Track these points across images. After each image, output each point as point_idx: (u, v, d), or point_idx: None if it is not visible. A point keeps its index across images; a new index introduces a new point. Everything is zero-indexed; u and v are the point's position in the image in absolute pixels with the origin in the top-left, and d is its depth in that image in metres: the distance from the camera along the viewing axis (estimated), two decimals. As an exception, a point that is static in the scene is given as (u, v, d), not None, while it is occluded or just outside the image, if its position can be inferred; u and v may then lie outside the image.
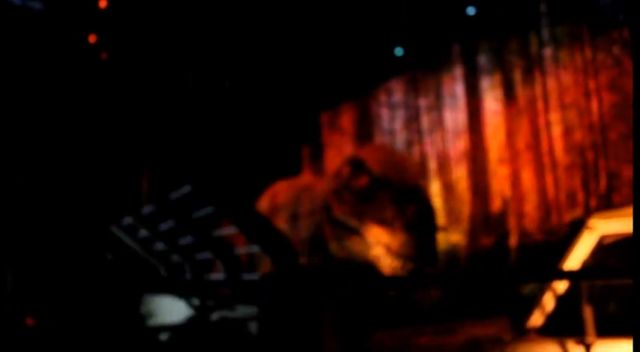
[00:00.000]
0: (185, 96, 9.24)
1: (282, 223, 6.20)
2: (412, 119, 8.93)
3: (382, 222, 5.42)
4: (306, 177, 7.97)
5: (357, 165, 5.83)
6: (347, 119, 9.72)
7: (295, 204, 6.37)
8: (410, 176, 6.00)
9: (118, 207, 6.30)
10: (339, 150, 9.54)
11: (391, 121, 9.19)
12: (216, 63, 9.39)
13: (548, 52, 7.64)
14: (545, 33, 7.67)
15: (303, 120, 9.89)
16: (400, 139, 8.99)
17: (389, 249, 5.24)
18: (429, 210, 5.67)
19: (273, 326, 3.27)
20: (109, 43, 8.61)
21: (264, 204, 6.70)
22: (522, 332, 2.80)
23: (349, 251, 5.58)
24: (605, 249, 2.73)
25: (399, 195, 5.53)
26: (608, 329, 2.54)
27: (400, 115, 9.10)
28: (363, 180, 5.70)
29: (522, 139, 7.77)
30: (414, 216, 5.39)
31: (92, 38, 8.46)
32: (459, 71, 8.49)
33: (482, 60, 8.25)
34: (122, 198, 7.95)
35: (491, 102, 8.13)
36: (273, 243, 4.14)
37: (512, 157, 7.75)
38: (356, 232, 5.55)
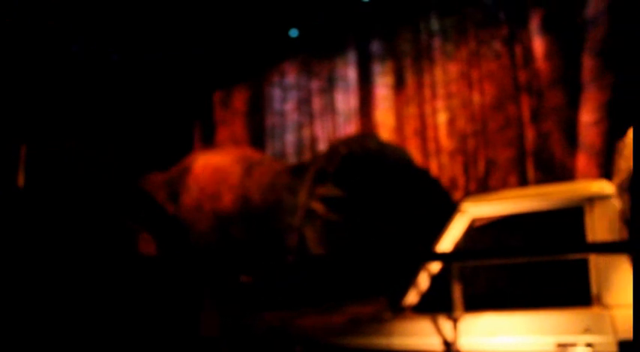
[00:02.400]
0: (70, 66, 8.72)
1: (230, 196, 6.02)
2: (304, 101, 8.99)
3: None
4: (245, 151, 7.62)
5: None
6: (240, 99, 9.62)
7: (245, 178, 6.18)
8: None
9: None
10: (231, 129, 9.43)
11: (283, 102, 9.20)
12: (106, 34, 8.92)
13: (436, 42, 7.93)
14: (435, 24, 7.96)
15: (195, 98, 9.68)
16: (291, 121, 9.03)
17: None
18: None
19: (153, 306, 3.21)
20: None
21: (196, 174, 6.45)
22: (399, 310, 2.91)
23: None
24: (476, 231, 2.89)
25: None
26: (474, 305, 2.72)
27: (292, 97, 9.12)
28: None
29: (410, 125, 8.04)
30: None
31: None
32: (352, 56, 8.62)
33: (375, 46, 8.43)
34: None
35: (382, 88, 8.34)
36: (160, 224, 4.02)
37: (401, 142, 8.01)
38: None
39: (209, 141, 9.46)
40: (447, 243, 2.87)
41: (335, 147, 6.03)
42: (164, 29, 8.69)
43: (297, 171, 6.15)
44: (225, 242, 6.00)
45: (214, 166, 6.53)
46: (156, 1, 8.18)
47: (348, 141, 6.08)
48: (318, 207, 5.57)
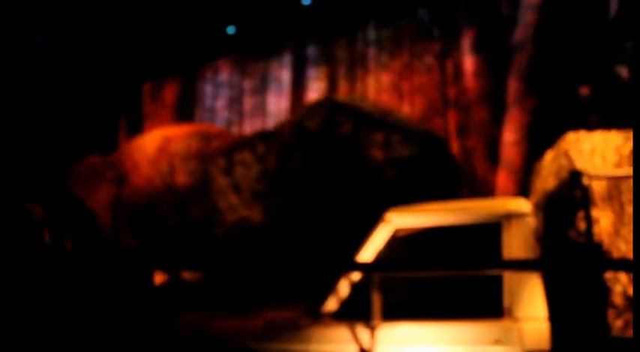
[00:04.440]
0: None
1: (185, 171, 5.63)
2: (235, 100, 8.92)
3: None
4: (201, 125, 7.15)
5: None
6: (170, 92, 9.42)
7: (203, 151, 5.75)
8: None
9: None
10: (159, 123, 9.21)
11: (214, 100, 9.10)
12: (32, 16, 8.48)
13: (371, 52, 8.04)
14: (372, 34, 8.07)
15: (124, 89, 9.38)
16: (221, 118, 8.94)
17: None
18: None
19: (60, 303, 3.07)
20: None
21: (146, 150, 5.99)
22: (317, 317, 2.91)
23: None
24: (398, 241, 2.94)
25: None
26: (393, 314, 2.76)
27: (224, 95, 9.04)
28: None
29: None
30: None
31: None
32: (287, 58, 8.62)
33: (311, 51, 8.46)
34: None
35: (315, 93, 8.37)
36: (74, 219, 3.85)
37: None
38: None
39: (136, 134, 9.20)
40: (369, 251, 2.90)
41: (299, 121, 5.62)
42: (94, 14, 8.37)
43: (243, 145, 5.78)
44: (182, 222, 5.63)
45: (167, 139, 6.06)
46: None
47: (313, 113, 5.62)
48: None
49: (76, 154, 6.71)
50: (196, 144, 5.91)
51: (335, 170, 5.23)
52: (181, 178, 5.79)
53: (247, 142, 5.85)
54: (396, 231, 2.94)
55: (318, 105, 5.73)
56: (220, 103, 9.06)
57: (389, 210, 2.97)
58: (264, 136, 5.87)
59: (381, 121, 5.32)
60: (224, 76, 9.08)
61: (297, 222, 5.22)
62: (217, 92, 9.11)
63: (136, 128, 9.38)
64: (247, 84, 8.89)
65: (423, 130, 5.52)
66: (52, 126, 8.20)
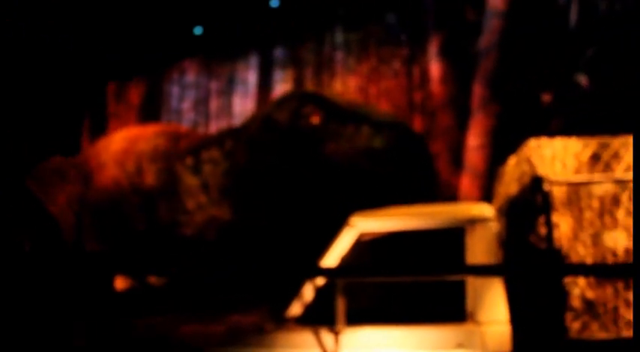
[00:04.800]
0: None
1: (153, 171, 5.46)
2: (201, 101, 8.86)
3: None
4: (170, 124, 6.95)
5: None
6: (136, 93, 9.29)
7: (172, 151, 5.58)
8: None
9: None
10: (124, 124, 9.07)
11: (180, 101, 9.02)
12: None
13: (339, 55, 8.07)
14: (339, 37, 8.10)
15: (86, 89, 9.20)
16: (187, 120, 8.86)
17: None
18: None
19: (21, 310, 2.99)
20: None
21: (112, 150, 5.81)
22: (282, 322, 2.90)
23: None
24: (362, 246, 2.96)
25: None
26: (357, 318, 2.77)
27: (190, 96, 8.97)
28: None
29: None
30: None
31: None
32: (254, 60, 8.60)
33: (278, 53, 8.45)
34: None
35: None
36: (33, 222, 3.76)
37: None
38: None
39: (100, 135, 9.04)
40: (333, 256, 2.91)
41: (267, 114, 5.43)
42: (57, 12, 8.20)
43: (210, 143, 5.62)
44: (149, 223, 5.48)
45: (134, 139, 5.87)
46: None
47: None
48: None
49: (36, 155, 6.55)
50: (164, 143, 5.76)
51: (304, 162, 5.16)
52: (149, 178, 5.67)
53: (215, 139, 5.76)
54: (361, 236, 2.96)
55: (288, 97, 5.65)
56: (187, 104, 8.98)
57: (353, 215, 2.99)
58: (232, 132, 5.79)
59: (351, 113, 5.26)
60: (191, 77, 9.01)
61: (266, 216, 5.15)
62: (184, 93, 9.03)
63: (100, 129, 9.23)
64: (214, 85, 8.83)
65: (395, 122, 5.44)
66: (11, 127, 8.00)
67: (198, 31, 8.74)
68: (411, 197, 4.54)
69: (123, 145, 5.86)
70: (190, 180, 5.46)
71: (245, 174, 5.32)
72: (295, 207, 5.09)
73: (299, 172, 5.10)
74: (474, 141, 6.65)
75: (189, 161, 5.51)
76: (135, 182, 5.63)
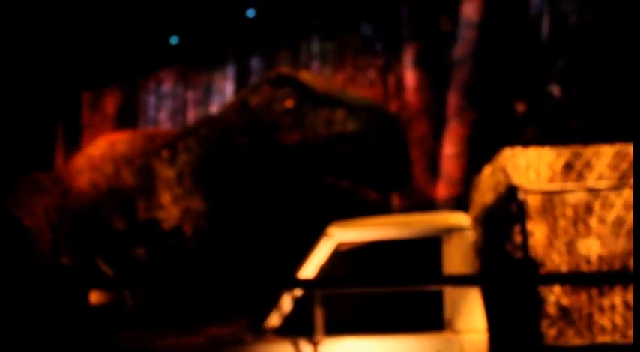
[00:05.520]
0: None
1: (129, 171, 5.33)
2: (178, 111, 8.82)
3: None
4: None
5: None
6: (112, 102, 9.22)
7: (147, 150, 5.45)
8: None
9: None
10: (99, 134, 8.96)
11: (157, 111, 8.97)
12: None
13: (315, 65, 8.11)
14: (315, 46, 8.15)
15: (60, 97, 9.09)
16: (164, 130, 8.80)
17: None
18: None
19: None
20: None
21: (88, 154, 5.68)
22: (260, 333, 2.89)
23: None
24: (340, 256, 2.96)
25: None
26: (335, 328, 2.78)
27: (167, 106, 8.92)
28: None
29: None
30: None
31: None
32: (230, 70, 8.60)
33: (255, 63, 8.46)
34: None
35: (259, 105, 8.35)
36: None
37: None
38: None
39: (74, 145, 8.93)
40: (311, 266, 2.91)
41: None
42: (30, 19, 8.10)
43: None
44: (128, 223, 5.35)
45: (112, 143, 5.74)
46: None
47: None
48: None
49: (7, 170, 6.45)
50: (141, 143, 5.64)
51: (278, 146, 5.08)
52: (126, 178, 5.57)
53: (191, 129, 5.66)
54: (339, 246, 2.97)
55: (262, 80, 5.58)
56: (163, 115, 8.93)
57: (331, 225, 3.00)
58: (208, 120, 5.70)
59: (325, 96, 5.20)
60: (167, 86, 8.97)
61: (241, 205, 5.04)
62: (160, 103, 8.98)
63: (75, 139, 9.12)
64: (191, 95, 8.80)
65: (370, 105, 5.38)
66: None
67: (174, 40, 8.72)
68: (385, 180, 4.51)
69: (101, 151, 5.76)
70: (166, 173, 5.34)
71: (217, 159, 5.19)
72: (270, 193, 4.99)
73: (273, 156, 5.00)
74: (450, 149, 6.73)
75: (165, 154, 5.38)
76: (113, 184, 5.54)
